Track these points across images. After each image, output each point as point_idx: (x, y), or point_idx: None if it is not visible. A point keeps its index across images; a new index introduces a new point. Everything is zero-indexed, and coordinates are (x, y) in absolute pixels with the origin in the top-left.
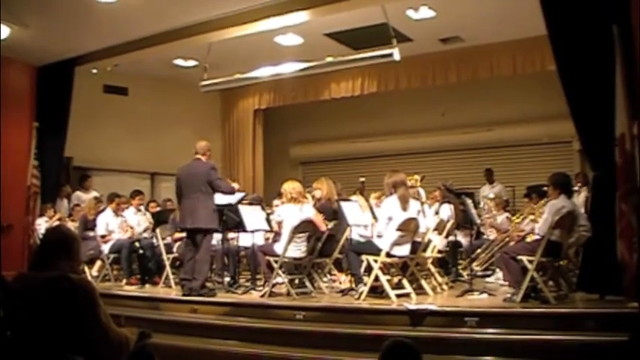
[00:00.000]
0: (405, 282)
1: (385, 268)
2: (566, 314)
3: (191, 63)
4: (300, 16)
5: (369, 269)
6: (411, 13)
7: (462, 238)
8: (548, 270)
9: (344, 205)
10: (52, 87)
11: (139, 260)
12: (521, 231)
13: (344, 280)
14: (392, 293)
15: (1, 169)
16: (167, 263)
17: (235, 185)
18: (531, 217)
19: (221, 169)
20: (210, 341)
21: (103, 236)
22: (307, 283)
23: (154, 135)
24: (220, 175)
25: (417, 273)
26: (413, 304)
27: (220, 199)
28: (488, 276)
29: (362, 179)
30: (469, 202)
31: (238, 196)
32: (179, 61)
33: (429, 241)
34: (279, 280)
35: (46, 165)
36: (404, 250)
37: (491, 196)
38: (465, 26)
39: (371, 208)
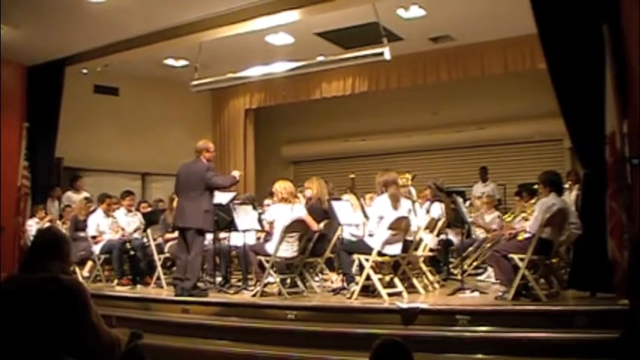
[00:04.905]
0: (396, 281)
1: (377, 267)
2: (557, 312)
3: (182, 63)
4: (291, 16)
5: (360, 268)
6: (401, 12)
7: (454, 237)
8: (539, 268)
9: (335, 204)
10: (43, 87)
11: (130, 261)
12: (512, 229)
13: (335, 280)
14: (383, 292)
15: None
16: (158, 264)
17: (236, 173)
18: (522, 214)
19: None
20: (202, 341)
21: (94, 237)
22: (299, 283)
23: (145, 135)
24: (216, 172)
25: (409, 272)
26: (404, 302)
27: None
28: (480, 274)
29: (352, 176)
30: (460, 200)
31: (229, 195)
32: (170, 61)
33: (421, 240)
34: (270, 279)
35: (37, 166)
36: (395, 248)
37: (479, 194)
38: (455, 25)
39: (362, 207)
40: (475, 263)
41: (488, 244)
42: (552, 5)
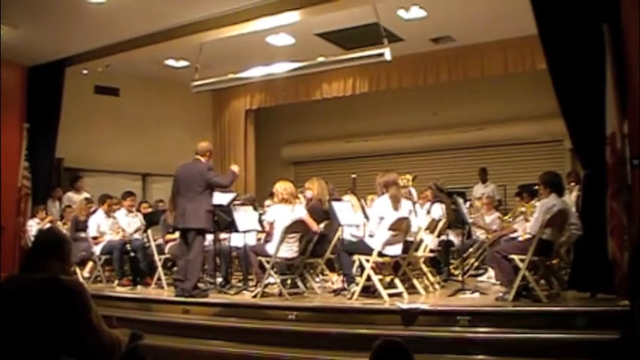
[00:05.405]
0: (397, 281)
1: (377, 268)
2: (557, 312)
3: (182, 63)
4: (292, 16)
5: (361, 269)
6: (402, 13)
7: (454, 238)
8: (539, 269)
9: (336, 205)
10: (43, 88)
11: (130, 261)
12: (513, 230)
13: (336, 280)
14: (384, 293)
15: None
16: (159, 264)
17: (235, 168)
18: (521, 211)
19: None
20: (203, 342)
21: (94, 237)
22: (299, 284)
23: (146, 136)
24: (217, 172)
25: (409, 272)
26: (405, 303)
27: (215, 198)
28: (480, 275)
29: (353, 176)
30: (460, 201)
31: (230, 196)
32: (170, 62)
33: (421, 241)
34: (271, 280)
35: (37, 166)
36: (396, 249)
37: (479, 195)
38: (455, 26)
39: (363, 208)
40: (475, 264)
41: (488, 243)
42: (552, 5)
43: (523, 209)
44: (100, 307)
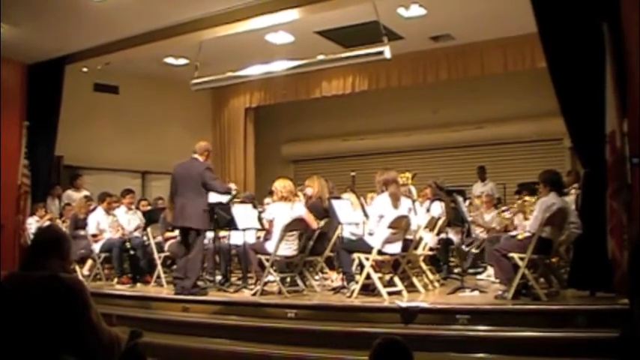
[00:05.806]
0: (396, 280)
1: (377, 266)
2: (557, 311)
3: (182, 61)
4: (291, 14)
5: (360, 267)
6: (401, 11)
7: (453, 236)
8: (539, 267)
9: (335, 203)
10: (43, 85)
11: (130, 259)
12: (513, 228)
13: (335, 278)
14: (383, 291)
15: None
16: (158, 262)
17: (232, 186)
18: (524, 200)
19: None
20: (202, 340)
21: (94, 235)
22: (299, 282)
23: (145, 134)
24: (215, 175)
25: (409, 270)
26: (404, 301)
27: (213, 197)
28: (480, 273)
29: (353, 174)
30: (460, 199)
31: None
32: (170, 60)
33: (421, 239)
34: (270, 278)
35: (37, 164)
36: (395, 247)
37: (478, 194)
38: (455, 24)
39: (362, 206)
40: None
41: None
42: (552, 4)
43: (527, 198)
44: (100, 305)
